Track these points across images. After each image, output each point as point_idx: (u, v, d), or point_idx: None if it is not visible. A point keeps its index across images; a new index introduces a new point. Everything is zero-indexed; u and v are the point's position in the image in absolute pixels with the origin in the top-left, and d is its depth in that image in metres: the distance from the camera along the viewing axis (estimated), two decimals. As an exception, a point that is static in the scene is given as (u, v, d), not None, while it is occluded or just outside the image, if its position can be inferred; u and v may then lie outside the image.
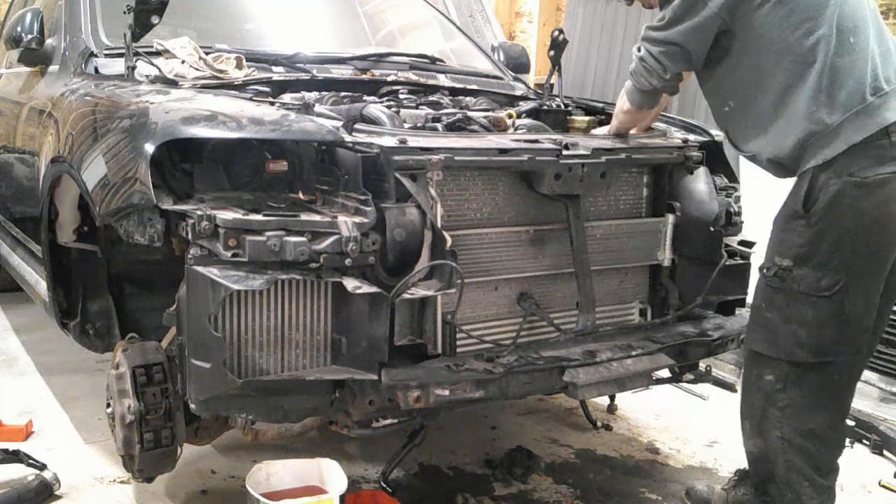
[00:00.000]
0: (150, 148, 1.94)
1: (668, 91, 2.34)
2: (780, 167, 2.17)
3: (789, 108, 2.06)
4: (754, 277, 2.66)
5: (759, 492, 2.31)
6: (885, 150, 1.98)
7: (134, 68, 2.65)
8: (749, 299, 2.77)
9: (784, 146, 2.09)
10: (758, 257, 2.67)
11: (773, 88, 2.07)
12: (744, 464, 2.81)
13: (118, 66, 2.75)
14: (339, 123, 2.11)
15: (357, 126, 2.20)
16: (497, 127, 2.62)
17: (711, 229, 2.53)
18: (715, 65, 2.18)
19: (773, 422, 2.18)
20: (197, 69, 2.65)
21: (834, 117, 1.99)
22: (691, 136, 2.70)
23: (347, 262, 1.91)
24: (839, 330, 2.06)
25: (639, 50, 2.27)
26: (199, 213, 1.87)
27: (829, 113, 2.00)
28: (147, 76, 2.64)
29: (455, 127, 2.51)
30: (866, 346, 2.17)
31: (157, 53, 2.73)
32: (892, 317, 3.31)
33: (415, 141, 2.11)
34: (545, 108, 2.95)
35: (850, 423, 3.25)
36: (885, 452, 3.13)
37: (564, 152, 2.27)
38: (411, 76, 3.16)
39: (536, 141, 2.32)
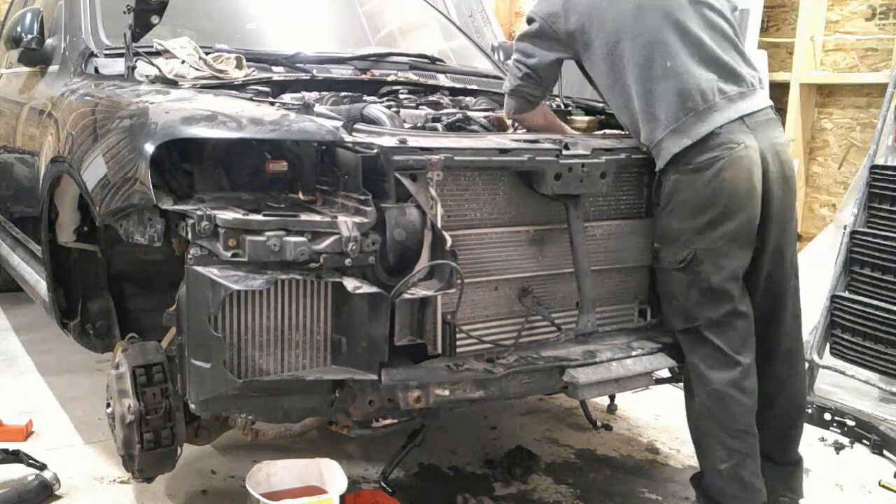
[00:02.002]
0: (149, 148, 1.94)
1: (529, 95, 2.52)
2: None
3: (632, 124, 2.38)
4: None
5: (698, 458, 2.45)
6: (708, 143, 2.24)
7: (134, 68, 2.65)
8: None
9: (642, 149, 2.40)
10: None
11: (615, 106, 2.43)
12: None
13: (118, 66, 2.75)
14: (339, 123, 2.11)
15: (357, 126, 2.20)
16: (497, 127, 2.62)
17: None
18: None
19: (689, 390, 2.40)
20: (197, 69, 2.65)
21: (657, 133, 2.28)
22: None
23: (347, 262, 1.91)
24: (701, 295, 2.29)
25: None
26: (199, 213, 1.87)
27: (653, 130, 2.30)
28: (147, 76, 2.64)
29: (455, 127, 2.51)
30: (736, 305, 2.31)
31: (157, 53, 2.73)
32: (891, 316, 3.32)
33: (415, 141, 2.11)
34: (545, 108, 2.94)
35: (850, 423, 3.26)
36: (885, 452, 3.13)
37: (564, 152, 2.27)
38: (411, 76, 3.15)
39: (536, 141, 2.32)
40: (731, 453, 2.29)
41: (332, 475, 2.34)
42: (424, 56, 3.39)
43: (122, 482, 2.65)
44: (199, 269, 1.86)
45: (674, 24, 2.31)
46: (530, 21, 2.47)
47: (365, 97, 2.74)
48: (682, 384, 2.48)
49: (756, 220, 2.29)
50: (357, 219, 1.93)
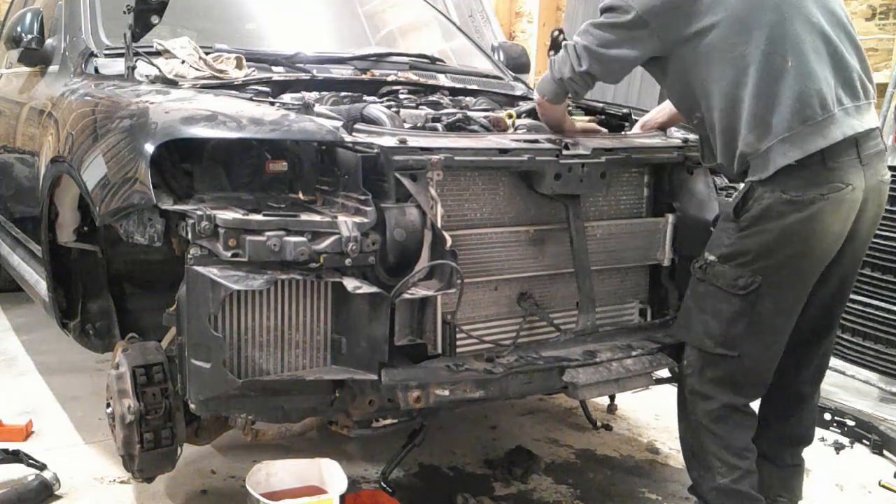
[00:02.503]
0: (149, 148, 1.94)
1: (575, 89, 2.33)
2: (735, 176, 2.28)
3: (726, 130, 2.15)
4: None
5: (688, 469, 2.40)
6: (817, 173, 2.05)
7: (134, 68, 2.65)
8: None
9: (729, 162, 2.19)
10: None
11: (717, 107, 2.14)
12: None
13: (118, 66, 2.75)
14: (339, 123, 2.11)
15: (357, 126, 2.20)
16: (497, 127, 2.62)
17: (711, 229, 2.53)
18: (673, 81, 2.27)
19: (688, 405, 2.31)
20: (197, 69, 2.65)
21: (763, 143, 2.07)
22: (691, 136, 2.69)
23: (347, 262, 1.91)
24: (747, 327, 2.17)
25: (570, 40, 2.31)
26: (199, 213, 1.87)
27: (760, 137, 2.07)
28: (147, 76, 2.64)
29: (455, 127, 2.51)
30: (777, 346, 2.25)
31: (157, 53, 2.73)
32: (891, 316, 3.33)
33: (415, 141, 2.11)
34: (545, 108, 2.94)
35: (850, 423, 3.26)
36: (885, 452, 3.13)
37: (564, 152, 2.28)
38: (411, 76, 3.15)
39: (536, 141, 2.32)
40: (732, 469, 2.24)
41: (332, 475, 2.34)
42: (424, 56, 3.39)
43: (122, 482, 2.65)
44: (199, 269, 1.86)
45: (800, 14, 2.07)
46: (616, 9, 2.17)
47: (365, 97, 2.74)
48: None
49: (830, 258, 2.18)
50: (357, 219, 1.93)
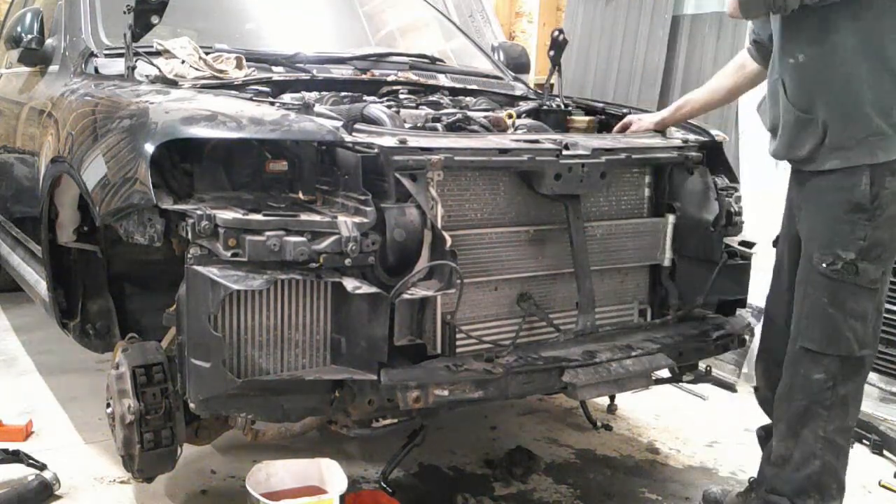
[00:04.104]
0: (149, 148, 1.94)
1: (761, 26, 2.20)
2: (804, 145, 2.12)
3: (862, 92, 2.01)
4: (755, 278, 2.66)
5: (775, 494, 2.25)
6: None
7: (134, 68, 2.65)
8: (753, 300, 2.76)
9: (837, 129, 2.05)
10: (758, 257, 2.67)
11: (860, 64, 2.00)
12: (744, 463, 2.81)
13: (118, 66, 2.75)
14: (339, 123, 2.11)
15: (357, 126, 2.20)
16: (497, 127, 2.62)
17: (712, 229, 2.53)
18: (851, 32, 2.03)
19: (816, 421, 2.15)
20: (197, 69, 2.65)
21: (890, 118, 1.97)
22: (691, 136, 2.70)
23: (347, 262, 1.91)
24: (877, 321, 2.12)
25: None
26: (199, 212, 1.87)
27: (890, 113, 1.99)
28: (147, 76, 2.64)
29: (455, 127, 2.51)
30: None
31: (157, 53, 2.73)
32: (891, 316, 3.33)
33: (415, 141, 2.11)
34: (545, 108, 2.95)
35: (850, 423, 3.25)
36: (885, 452, 3.13)
37: (564, 152, 2.27)
38: (411, 76, 3.15)
39: (536, 141, 2.32)
40: (842, 489, 2.19)
41: (332, 475, 2.34)
42: (424, 56, 3.39)
43: (122, 482, 2.65)
44: (199, 268, 1.86)
45: None
46: None
47: (365, 97, 2.74)
48: (681, 384, 2.47)
49: None
50: (357, 219, 1.93)
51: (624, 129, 2.74)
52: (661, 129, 2.68)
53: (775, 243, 2.43)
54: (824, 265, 2.10)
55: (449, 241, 2.01)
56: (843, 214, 2.08)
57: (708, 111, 2.66)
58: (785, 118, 2.16)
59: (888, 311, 3.32)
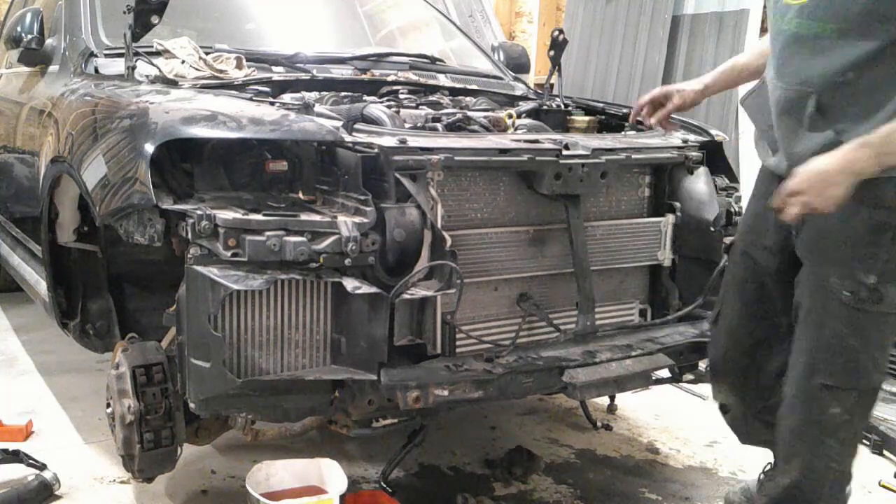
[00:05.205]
0: (149, 148, 1.94)
1: None
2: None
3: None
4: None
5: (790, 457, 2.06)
6: None
7: (134, 68, 2.65)
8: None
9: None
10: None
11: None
12: (744, 463, 2.80)
13: (118, 66, 2.75)
14: (339, 123, 2.11)
15: (357, 126, 2.20)
16: (497, 127, 2.62)
17: (712, 230, 2.53)
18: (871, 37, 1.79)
19: (830, 455, 1.98)
20: (197, 69, 2.65)
21: None
22: (691, 137, 2.70)
23: (347, 262, 1.91)
24: (891, 347, 1.96)
25: None
26: (198, 212, 1.87)
27: None
28: (147, 76, 2.64)
29: (455, 127, 2.51)
30: None
31: (157, 53, 2.73)
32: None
33: (415, 141, 2.11)
34: (545, 108, 2.95)
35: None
36: (885, 452, 3.13)
37: (564, 152, 2.27)
38: (411, 76, 3.16)
39: (536, 141, 2.32)
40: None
41: (332, 475, 2.34)
42: (424, 56, 3.39)
43: (122, 482, 2.65)
44: (199, 268, 1.86)
45: None
46: None
47: (365, 97, 2.75)
48: (681, 384, 2.47)
49: None
50: (357, 219, 1.94)
51: (656, 107, 2.44)
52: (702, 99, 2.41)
53: (727, 250, 2.30)
54: (846, 293, 1.88)
55: (449, 241, 2.01)
56: (865, 234, 1.86)
57: (754, 79, 2.28)
58: (808, 137, 1.90)
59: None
